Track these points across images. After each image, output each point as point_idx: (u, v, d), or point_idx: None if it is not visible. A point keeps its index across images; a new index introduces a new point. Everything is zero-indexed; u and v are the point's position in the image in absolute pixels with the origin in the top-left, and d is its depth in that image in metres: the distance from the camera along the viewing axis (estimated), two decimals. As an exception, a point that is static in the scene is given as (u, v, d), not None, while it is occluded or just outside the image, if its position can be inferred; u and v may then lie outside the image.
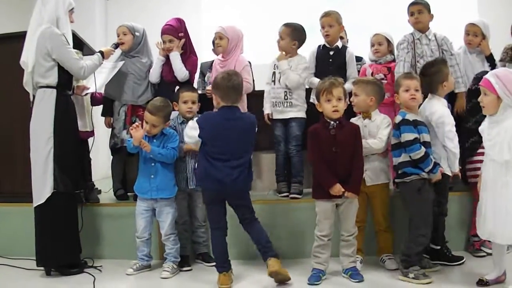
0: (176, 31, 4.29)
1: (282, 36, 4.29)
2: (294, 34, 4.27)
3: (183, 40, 4.29)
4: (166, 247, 3.76)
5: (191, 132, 3.44)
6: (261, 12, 7.27)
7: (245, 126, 3.42)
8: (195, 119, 3.51)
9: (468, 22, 4.45)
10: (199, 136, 3.39)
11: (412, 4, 4.32)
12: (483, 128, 3.20)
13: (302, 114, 4.26)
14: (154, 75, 4.31)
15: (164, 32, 4.29)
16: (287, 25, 4.31)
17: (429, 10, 4.27)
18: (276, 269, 3.31)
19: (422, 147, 3.34)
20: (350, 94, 3.69)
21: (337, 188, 3.32)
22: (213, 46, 4.71)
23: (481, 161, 3.33)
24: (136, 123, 3.74)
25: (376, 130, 3.60)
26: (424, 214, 3.36)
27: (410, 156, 3.37)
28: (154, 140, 3.75)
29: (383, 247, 3.68)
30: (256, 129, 3.49)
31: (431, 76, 3.58)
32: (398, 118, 3.45)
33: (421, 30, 4.27)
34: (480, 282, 3.18)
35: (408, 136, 3.36)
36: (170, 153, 3.71)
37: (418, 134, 3.37)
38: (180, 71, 4.21)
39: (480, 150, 3.73)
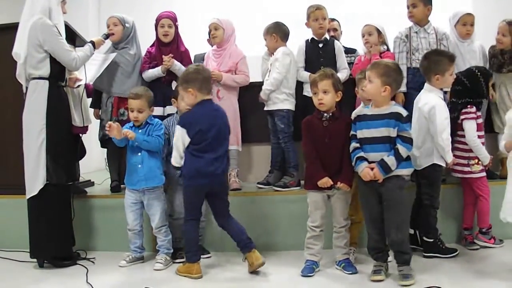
0: (175, 19, 4.39)
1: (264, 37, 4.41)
2: (271, 30, 4.36)
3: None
4: (158, 239, 3.77)
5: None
6: (253, 4, 7.27)
7: (224, 117, 3.51)
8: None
9: (465, 13, 4.39)
10: (188, 135, 3.39)
11: None
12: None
13: (286, 106, 4.25)
14: (149, 78, 4.32)
15: (163, 16, 4.35)
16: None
17: (425, 3, 4.26)
18: (262, 261, 3.39)
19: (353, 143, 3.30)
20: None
21: (325, 181, 3.34)
22: (209, 37, 4.71)
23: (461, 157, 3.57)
24: (109, 123, 3.69)
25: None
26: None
27: None
28: (139, 130, 3.75)
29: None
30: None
31: (430, 62, 3.57)
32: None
33: (419, 23, 4.28)
34: None
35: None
36: (155, 141, 3.71)
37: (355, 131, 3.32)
38: None
39: (458, 145, 3.79)
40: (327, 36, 4.45)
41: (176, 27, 4.37)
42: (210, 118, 3.42)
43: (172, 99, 3.93)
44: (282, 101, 4.25)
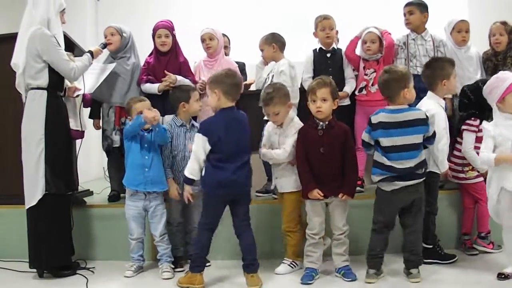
0: (172, 28, 4.36)
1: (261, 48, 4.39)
2: (270, 40, 4.34)
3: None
4: (160, 247, 3.75)
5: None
6: (251, 13, 7.29)
7: (245, 124, 3.45)
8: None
9: (459, 20, 4.44)
10: (209, 143, 3.32)
11: (404, 5, 4.39)
12: None
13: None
14: (146, 91, 4.31)
15: (160, 27, 4.33)
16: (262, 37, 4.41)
17: (422, 10, 4.30)
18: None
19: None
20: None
21: (314, 193, 3.36)
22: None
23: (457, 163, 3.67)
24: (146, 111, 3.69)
25: (285, 138, 3.59)
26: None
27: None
28: (147, 133, 3.77)
29: (290, 250, 3.65)
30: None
31: (433, 70, 3.59)
32: (422, 113, 3.33)
33: (416, 30, 4.33)
34: (500, 275, 3.22)
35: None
36: (165, 132, 3.76)
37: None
38: (192, 85, 4.22)
39: (455, 152, 3.86)
40: (335, 46, 4.47)
41: (174, 36, 4.37)
42: (230, 126, 3.33)
43: (182, 103, 3.88)
44: None
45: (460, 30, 4.40)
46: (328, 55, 4.43)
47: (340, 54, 4.45)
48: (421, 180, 3.30)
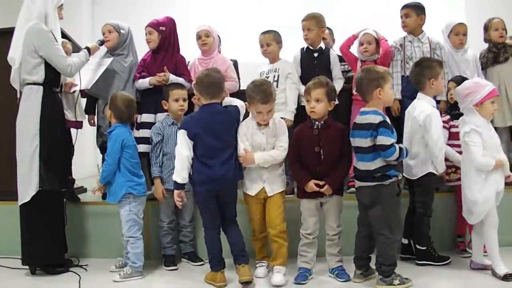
0: (158, 24, 4.29)
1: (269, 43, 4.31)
2: (278, 38, 4.34)
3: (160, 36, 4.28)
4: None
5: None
6: (248, 11, 7.31)
7: (230, 118, 3.44)
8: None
9: (456, 23, 4.49)
10: (189, 137, 3.36)
11: (401, 8, 4.42)
12: None
13: (286, 116, 4.17)
14: (140, 88, 4.28)
15: (146, 25, 4.32)
16: (269, 31, 4.34)
17: (418, 13, 4.33)
18: (246, 279, 3.32)
19: (396, 146, 3.17)
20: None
21: (311, 185, 3.36)
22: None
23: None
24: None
25: (273, 138, 3.48)
26: (400, 218, 3.37)
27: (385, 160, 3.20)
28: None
29: (276, 257, 3.50)
30: (241, 117, 3.50)
31: (422, 68, 3.60)
32: (378, 118, 3.18)
33: (412, 32, 4.35)
34: (508, 276, 3.23)
35: (385, 141, 3.13)
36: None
37: (394, 138, 3.18)
38: (186, 84, 4.19)
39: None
40: (322, 45, 4.45)
41: (161, 32, 4.27)
42: (211, 121, 3.36)
43: (163, 101, 3.92)
44: (281, 112, 4.18)
45: (458, 33, 4.45)
46: (315, 54, 4.40)
47: (327, 54, 4.41)
48: (373, 184, 3.21)
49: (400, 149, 3.18)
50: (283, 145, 3.46)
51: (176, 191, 3.43)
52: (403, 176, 3.63)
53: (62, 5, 3.80)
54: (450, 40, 4.48)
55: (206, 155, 3.35)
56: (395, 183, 3.25)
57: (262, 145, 3.47)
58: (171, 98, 3.90)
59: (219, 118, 3.40)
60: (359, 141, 3.23)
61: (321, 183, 3.35)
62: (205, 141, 3.34)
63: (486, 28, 4.55)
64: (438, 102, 4.12)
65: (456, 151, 3.76)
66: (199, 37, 4.46)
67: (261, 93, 3.40)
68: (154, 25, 4.29)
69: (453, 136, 3.84)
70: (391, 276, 3.17)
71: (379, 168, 3.19)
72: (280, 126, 3.51)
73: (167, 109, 3.94)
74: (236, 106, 3.48)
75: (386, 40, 4.40)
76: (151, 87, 4.19)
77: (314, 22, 4.36)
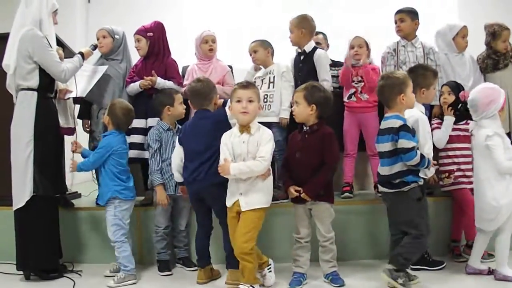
0: (146, 31, 4.31)
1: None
2: (265, 44, 4.39)
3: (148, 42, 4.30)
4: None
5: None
6: (242, 17, 7.33)
7: (215, 122, 3.49)
8: None
9: (462, 25, 4.47)
10: (179, 143, 3.60)
11: (395, 13, 4.42)
12: None
13: (281, 114, 4.21)
14: (131, 93, 4.28)
15: (134, 32, 4.34)
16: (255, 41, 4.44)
17: (413, 18, 4.35)
18: (234, 283, 3.35)
19: (418, 151, 3.20)
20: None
21: (290, 191, 3.42)
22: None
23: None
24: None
25: (256, 148, 3.25)
26: (428, 222, 3.31)
27: (406, 164, 3.21)
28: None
29: (243, 274, 3.24)
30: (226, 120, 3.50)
31: (416, 76, 3.58)
32: (398, 122, 3.22)
33: (406, 37, 4.36)
34: None
35: (406, 144, 3.16)
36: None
37: (415, 142, 3.20)
38: (176, 87, 4.21)
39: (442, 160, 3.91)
40: (307, 47, 4.34)
41: (149, 38, 4.28)
42: (191, 126, 3.55)
43: (167, 106, 3.89)
44: (277, 115, 4.22)
45: (464, 36, 4.44)
46: (302, 57, 4.39)
47: (312, 55, 4.33)
48: (393, 190, 3.27)
49: (422, 156, 3.20)
50: (264, 156, 3.20)
51: (180, 186, 3.73)
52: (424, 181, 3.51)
53: (56, 10, 3.81)
54: (455, 43, 4.42)
55: (188, 158, 3.51)
56: (416, 189, 3.25)
57: (242, 154, 3.25)
58: (176, 102, 3.90)
59: (201, 122, 3.51)
60: (382, 146, 3.28)
61: (299, 189, 3.38)
62: (187, 144, 3.52)
63: (494, 35, 4.44)
64: (432, 106, 4.14)
65: (458, 154, 3.86)
66: (205, 41, 4.46)
67: (242, 81, 3.51)
68: (142, 32, 4.31)
69: (458, 139, 3.89)
70: (401, 273, 3.17)
71: (397, 173, 3.23)
72: (265, 135, 3.28)
73: (169, 114, 3.90)
74: (224, 109, 3.53)
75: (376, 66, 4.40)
76: (142, 90, 4.20)
77: (294, 23, 4.36)
